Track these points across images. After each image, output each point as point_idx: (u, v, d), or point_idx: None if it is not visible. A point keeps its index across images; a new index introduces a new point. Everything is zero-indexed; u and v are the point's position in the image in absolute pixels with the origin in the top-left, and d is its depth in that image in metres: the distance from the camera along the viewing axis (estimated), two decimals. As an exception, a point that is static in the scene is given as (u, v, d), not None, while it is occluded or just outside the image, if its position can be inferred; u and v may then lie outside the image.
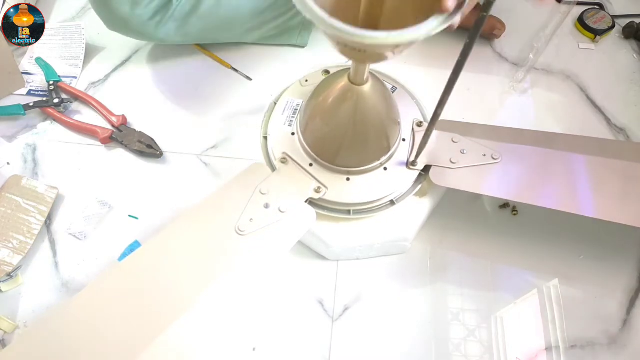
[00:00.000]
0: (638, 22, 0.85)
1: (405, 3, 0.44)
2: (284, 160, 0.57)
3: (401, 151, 0.58)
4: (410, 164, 0.57)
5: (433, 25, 0.35)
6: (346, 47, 0.42)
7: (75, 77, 0.78)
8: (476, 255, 0.63)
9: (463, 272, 0.62)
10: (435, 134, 0.59)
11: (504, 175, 0.56)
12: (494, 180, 0.56)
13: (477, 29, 0.35)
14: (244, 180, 0.56)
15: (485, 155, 0.57)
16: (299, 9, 0.37)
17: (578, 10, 0.87)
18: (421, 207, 0.59)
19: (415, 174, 0.57)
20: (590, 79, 0.80)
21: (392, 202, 0.57)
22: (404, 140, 0.58)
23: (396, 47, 0.38)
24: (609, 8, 0.90)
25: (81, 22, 0.82)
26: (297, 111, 0.60)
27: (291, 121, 0.60)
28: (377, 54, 0.42)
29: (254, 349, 0.56)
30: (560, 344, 0.57)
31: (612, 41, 0.86)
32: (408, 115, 0.60)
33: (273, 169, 0.58)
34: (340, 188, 0.55)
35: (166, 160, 0.70)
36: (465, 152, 0.57)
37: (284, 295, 0.60)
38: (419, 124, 0.59)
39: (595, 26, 0.85)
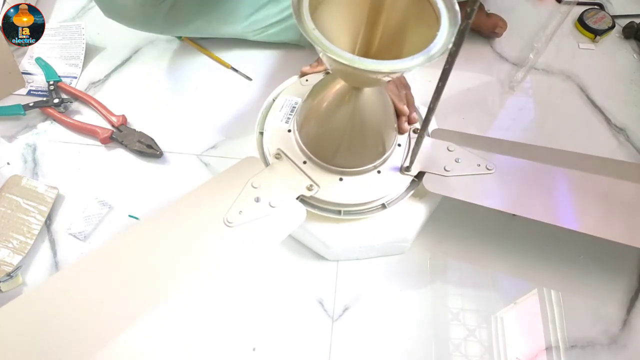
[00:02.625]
0: (638, 22, 0.85)
1: (400, 33, 0.47)
2: (278, 156, 0.57)
3: (396, 156, 0.58)
4: (404, 170, 0.57)
5: (423, 58, 0.40)
6: (349, 75, 0.45)
7: (75, 77, 0.78)
8: (476, 256, 0.63)
9: (463, 272, 0.62)
10: (430, 141, 0.59)
11: (497, 186, 0.56)
12: (487, 191, 0.56)
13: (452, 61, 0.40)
14: (236, 173, 0.56)
15: (479, 165, 0.57)
16: (308, 39, 0.40)
17: (578, 10, 0.87)
18: (420, 207, 0.59)
19: (409, 179, 0.57)
20: (590, 79, 0.80)
21: (383, 206, 0.56)
22: (399, 145, 0.58)
23: (393, 74, 0.42)
24: (609, 8, 0.90)
25: (81, 22, 0.82)
26: (295, 109, 0.60)
27: (288, 118, 0.60)
28: (377, 80, 0.46)
29: (254, 349, 0.56)
30: (560, 344, 0.57)
31: (612, 41, 0.86)
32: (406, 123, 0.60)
33: (267, 164, 0.58)
34: (333, 188, 0.55)
35: (166, 160, 0.70)
36: (459, 161, 0.57)
37: (284, 295, 0.60)
38: (415, 131, 0.59)
39: (595, 26, 0.85)
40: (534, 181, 0.57)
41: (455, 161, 0.57)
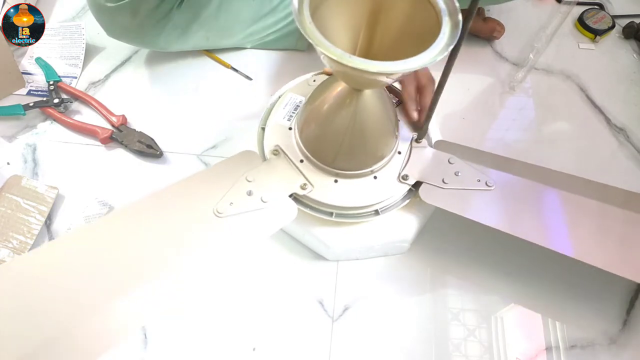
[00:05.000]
0: (638, 22, 0.85)
1: (401, 34, 0.47)
2: (275, 153, 0.57)
3: (395, 163, 0.57)
4: (402, 178, 0.56)
5: (425, 59, 0.40)
6: (349, 76, 0.45)
7: (75, 77, 0.78)
8: (476, 256, 0.63)
9: (463, 272, 0.62)
10: (432, 152, 0.58)
11: (496, 204, 0.55)
12: (484, 207, 0.55)
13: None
14: (232, 165, 0.56)
15: (479, 180, 0.56)
16: (310, 42, 0.40)
17: (578, 10, 0.87)
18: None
19: (405, 188, 0.56)
20: (590, 79, 0.80)
21: (376, 212, 0.56)
22: (399, 153, 0.58)
23: (393, 75, 0.41)
24: (609, 8, 0.90)
25: (81, 22, 0.82)
26: (298, 108, 0.61)
27: (291, 116, 0.60)
28: (376, 81, 0.46)
29: (254, 349, 0.56)
30: (560, 344, 0.57)
31: (612, 41, 0.86)
32: (408, 130, 0.60)
33: (264, 159, 0.58)
34: (327, 188, 0.55)
35: (166, 160, 0.70)
36: (459, 174, 0.56)
37: (284, 295, 0.60)
38: (418, 140, 0.59)
39: (595, 26, 0.85)
40: (535, 203, 0.55)
41: (455, 174, 0.56)
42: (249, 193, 0.53)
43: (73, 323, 0.44)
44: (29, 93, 0.76)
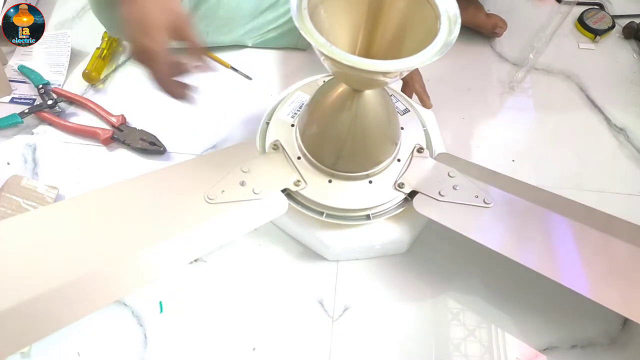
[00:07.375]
0: (638, 22, 0.85)
1: (400, 33, 0.47)
2: (274, 147, 0.58)
3: (392, 170, 0.57)
4: (398, 185, 0.56)
5: (428, 55, 0.40)
6: (351, 77, 0.45)
7: (60, 85, 0.76)
8: (476, 255, 0.63)
9: (463, 272, 0.62)
10: (433, 164, 0.58)
11: (491, 222, 0.54)
12: (479, 224, 0.53)
13: None
14: (229, 154, 0.57)
15: (477, 196, 0.54)
16: (305, 37, 0.40)
17: (578, 10, 0.87)
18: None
19: (400, 196, 0.56)
20: (590, 79, 0.80)
21: (367, 217, 0.56)
22: (398, 160, 0.57)
23: (390, 74, 0.42)
24: (609, 8, 0.90)
25: (68, 30, 0.81)
26: (303, 106, 0.61)
27: (295, 114, 0.61)
28: (374, 81, 0.46)
29: (254, 349, 0.56)
30: (560, 344, 0.57)
31: (612, 41, 0.86)
32: (411, 139, 0.59)
33: (263, 152, 0.58)
34: (320, 188, 0.55)
35: (170, 157, 0.70)
36: (457, 188, 0.55)
37: (284, 295, 0.60)
38: (420, 150, 0.58)
39: (595, 26, 0.85)
40: (534, 226, 0.54)
41: (453, 188, 0.55)
42: (242, 183, 0.54)
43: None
44: (11, 101, 0.75)
